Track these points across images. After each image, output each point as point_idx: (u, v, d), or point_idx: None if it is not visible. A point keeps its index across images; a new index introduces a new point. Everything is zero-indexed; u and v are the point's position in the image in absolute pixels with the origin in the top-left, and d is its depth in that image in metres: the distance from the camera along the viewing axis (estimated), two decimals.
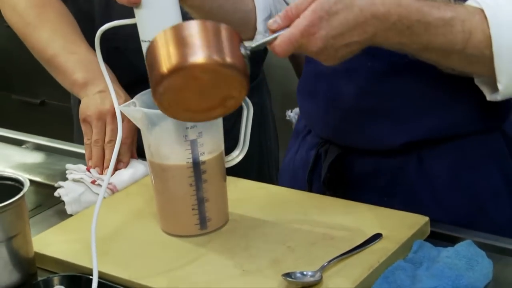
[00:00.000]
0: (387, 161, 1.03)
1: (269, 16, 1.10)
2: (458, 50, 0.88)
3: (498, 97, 0.92)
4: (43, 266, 0.92)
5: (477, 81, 0.96)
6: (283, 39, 0.82)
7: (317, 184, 1.09)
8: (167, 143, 0.92)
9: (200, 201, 0.93)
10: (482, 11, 0.88)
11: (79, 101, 1.19)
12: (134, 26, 0.92)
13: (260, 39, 0.86)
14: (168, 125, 0.91)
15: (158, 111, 0.83)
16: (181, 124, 0.90)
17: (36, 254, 0.92)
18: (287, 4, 1.12)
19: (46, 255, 0.92)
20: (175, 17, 0.91)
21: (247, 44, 0.81)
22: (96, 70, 1.17)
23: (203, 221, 0.94)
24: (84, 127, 1.14)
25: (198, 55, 0.76)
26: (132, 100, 0.94)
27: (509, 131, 1.04)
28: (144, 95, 0.94)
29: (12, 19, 1.27)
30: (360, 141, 1.04)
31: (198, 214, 0.93)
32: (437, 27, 0.86)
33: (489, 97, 0.94)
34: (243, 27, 1.07)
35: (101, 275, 0.87)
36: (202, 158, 0.92)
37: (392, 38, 0.86)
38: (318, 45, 0.82)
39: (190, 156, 0.91)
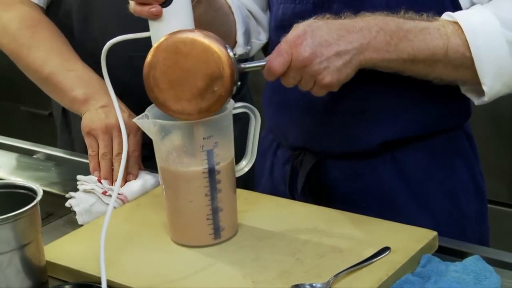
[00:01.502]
0: (363, 163, 1.07)
1: (246, 31, 1.17)
2: (441, 57, 0.94)
3: (485, 99, 0.98)
4: (54, 274, 0.94)
5: (463, 90, 1.02)
6: (274, 53, 0.90)
7: (298, 196, 1.12)
8: (182, 154, 0.93)
9: (215, 211, 0.94)
10: (455, 22, 0.95)
11: (71, 114, 1.20)
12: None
13: (252, 62, 0.94)
14: (181, 134, 0.93)
15: (174, 122, 0.87)
16: (196, 134, 0.92)
17: (48, 262, 0.93)
18: (256, 20, 1.20)
19: (57, 264, 0.94)
20: (190, 27, 0.93)
21: (242, 65, 0.91)
22: (95, 85, 1.20)
23: (217, 231, 0.95)
24: (88, 140, 1.16)
25: (180, 32, 0.89)
26: (144, 113, 0.95)
27: (468, 129, 1.11)
28: (154, 108, 0.95)
29: (3, 40, 1.27)
30: (336, 145, 1.08)
31: (213, 223, 0.95)
32: (415, 33, 0.94)
33: (477, 101, 1.00)
34: (226, 39, 1.12)
35: (111, 284, 0.88)
36: (217, 168, 0.93)
37: (379, 52, 0.93)
38: (307, 51, 0.90)
39: (206, 166, 0.93)
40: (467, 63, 0.95)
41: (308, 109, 1.04)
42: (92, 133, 1.15)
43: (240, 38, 1.16)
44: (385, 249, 0.90)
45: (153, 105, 0.95)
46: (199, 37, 0.88)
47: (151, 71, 0.89)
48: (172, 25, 0.91)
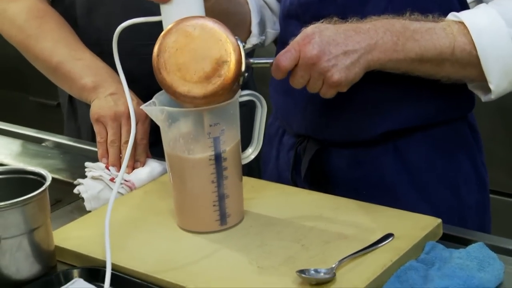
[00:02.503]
0: (365, 152, 1.08)
1: (261, 20, 1.19)
2: (448, 56, 0.96)
3: (492, 96, 0.99)
4: (62, 259, 0.95)
5: (471, 87, 1.04)
6: (283, 51, 0.92)
7: (301, 182, 1.14)
8: (189, 141, 0.94)
9: (221, 198, 0.95)
10: (461, 22, 0.96)
11: (77, 102, 1.22)
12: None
13: (260, 58, 0.96)
14: (189, 121, 0.93)
15: (181, 109, 0.89)
16: (203, 121, 0.92)
17: (56, 247, 0.94)
18: (271, 10, 1.22)
19: (65, 249, 0.95)
20: (200, 13, 0.95)
21: (251, 60, 0.93)
22: (104, 74, 1.21)
23: (223, 217, 0.96)
24: (97, 127, 1.17)
25: (191, 18, 0.92)
26: (152, 100, 0.96)
27: (473, 121, 1.12)
28: (161, 95, 0.97)
29: (11, 32, 1.28)
30: (339, 134, 1.09)
31: (219, 210, 0.96)
32: (421, 33, 0.95)
33: (484, 98, 1.02)
34: (240, 28, 1.15)
35: (118, 269, 0.89)
36: (223, 155, 0.94)
37: (387, 53, 0.94)
38: (316, 49, 0.91)
39: (213, 153, 0.94)
40: (473, 62, 0.96)
41: (312, 98, 1.05)
42: (101, 120, 1.16)
43: (254, 28, 1.17)
44: (389, 236, 0.91)
45: (160, 92, 0.96)
46: (210, 23, 0.91)
47: (161, 53, 0.90)
48: (183, 10, 0.93)
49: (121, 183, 1.11)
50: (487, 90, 0.99)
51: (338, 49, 0.92)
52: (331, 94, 0.96)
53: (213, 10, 1.00)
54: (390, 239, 0.90)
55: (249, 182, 1.08)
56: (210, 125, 0.93)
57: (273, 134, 1.22)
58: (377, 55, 0.94)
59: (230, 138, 0.95)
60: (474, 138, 1.12)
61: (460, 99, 1.08)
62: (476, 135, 1.12)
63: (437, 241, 0.93)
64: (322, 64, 0.92)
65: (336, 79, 0.92)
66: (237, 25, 1.13)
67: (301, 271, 0.84)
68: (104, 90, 1.19)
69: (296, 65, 0.93)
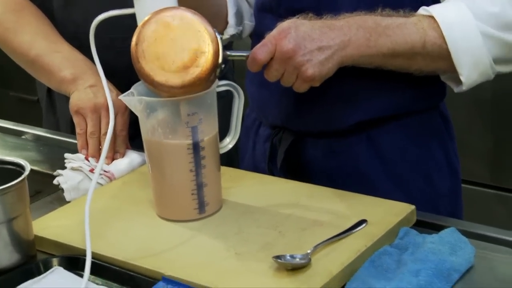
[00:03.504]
0: (340, 142, 1.10)
1: (238, 11, 1.20)
2: (419, 50, 0.98)
3: (463, 88, 1.01)
4: (42, 248, 0.95)
5: (443, 78, 1.06)
6: (259, 44, 0.93)
7: (277, 173, 1.15)
8: (167, 130, 0.95)
9: (199, 186, 0.96)
10: (431, 16, 0.98)
11: (56, 95, 1.22)
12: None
13: (236, 51, 0.98)
14: (167, 111, 0.94)
15: (159, 98, 0.90)
16: (182, 111, 0.93)
17: (36, 236, 0.95)
18: (248, 2, 1.23)
19: (45, 238, 0.96)
20: (173, 4, 0.96)
21: (228, 52, 0.95)
22: (83, 66, 1.21)
23: (201, 206, 0.97)
24: (77, 119, 1.17)
25: (169, 9, 0.93)
26: (130, 91, 0.97)
27: (445, 110, 1.14)
28: (140, 86, 0.97)
29: None
30: (314, 125, 1.11)
31: (197, 199, 0.97)
32: (393, 29, 0.97)
33: (456, 89, 1.04)
34: (217, 19, 1.16)
35: (97, 257, 0.90)
36: (201, 144, 0.95)
37: (361, 49, 0.96)
38: (292, 43, 0.93)
39: (191, 142, 0.94)
40: (444, 55, 0.98)
41: (287, 90, 1.05)
42: (81, 112, 1.17)
43: (231, 19, 1.18)
44: (362, 222, 0.92)
45: (138, 83, 0.97)
46: (189, 14, 0.92)
47: (139, 42, 0.91)
48: (156, 2, 0.93)
49: (101, 174, 1.12)
50: (459, 81, 1.01)
51: (313, 44, 0.93)
52: (304, 89, 0.97)
53: (187, 0, 1.01)
54: (364, 225, 0.92)
55: (227, 171, 1.09)
56: (188, 115, 0.93)
57: (250, 126, 1.24)
58: (351, 51, 0.96)
59: (208, 128, 0.96)
60: (446, 128, 1.14)
61: (432, 89, 1.10)
62: (448, 125, 1.14)
63: (410, 227, 0.94)
64: (297, 59, 0.93)
65: (310, 74, 0.94)
66: (214, 15, 1.14)
67: (277, 257, 0.85)
68: (83, 82, 1.19)
69: (271, 59, 0.94)
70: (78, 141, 1.17)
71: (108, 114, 1.15)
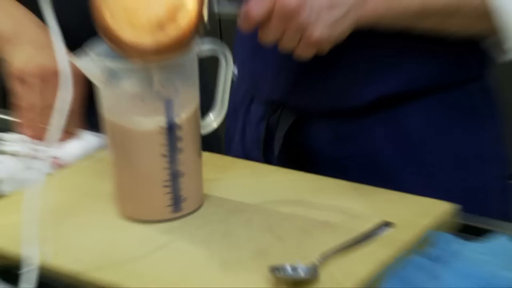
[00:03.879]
0: (353, 123, 1.11)
1: None
2: (454, 8, 0.98)
3: (509, 56, 1.03)
4: None
5: (485, 44, 1.07)
6: None
7: (274, 163, 1.16)
8: (133, 103, 0.94)
9: (174, 176, 0.96)
10: None
11: None
12: None
13: (226, 5, 0.97)
14: (135, 80, 0.93)
15: (124, 63, 0.90)
16: (152, 78, 0.93)
17: None
18: None
19: None
20: None
21: (216, 5, 0.95)
22: (25, 20, 1.21)
23: (176, 202, 0.97)
24: (19, 88, 1.17)
25: None
26: (86, 52, 0.96)
27: (487, 84, 1.14)
28: (99, 46, 0.96)
29: None
30: (320, 101, 1.11)
31: (172, 192, 0.97)
32: None
33: (500, 59, 1.05)
34: None
35: (42, 267, 0.88)
36: (178, 122, 0.95)
37: (383, 6, 0.97)
38: (295, 0, 0.92)
39: (164, 120, 0.94)
40: (486, 14, 0.99)
41: (288, 55, 1.05)
42: (24, 79, 1.15)
43: None
44: (386, 224, 0.92)
45: (97, 42, 0.96)
46: None
47: None
48: None
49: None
50: (504, 48, 1.02)
51: (322, 1, 0.94)
52: (308, 55, 0.97)
53: None
54: (388, 228, 0.92)
55: (211, 159, 1.09)
56: (161, 84, 0.93)
57: (238, 103, 1.24)
58: (370, 10, 0.97)
59: (186, 102, 0.96)
60: (489, 106, 1.14)
61: (471, 57, 1.10)
62: (491, 103, 1.15)
63: (446, 232, 0.94)
64: (302, 17, 0.93)
65: (316, 37, 0.94)
66: None
67: (275, 268, 0.84)
68: (25, 41, 1.18)
69: (269, 16, 0.94)
70: (20, 118, 1.17)
71: (56, 81, 1.12)
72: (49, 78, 1.16)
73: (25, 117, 1.16)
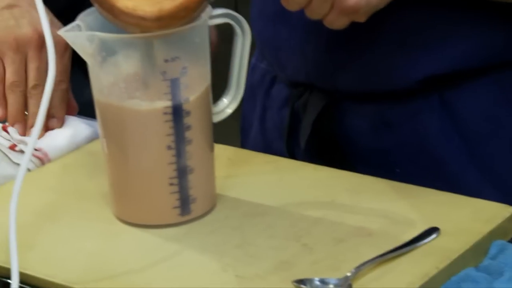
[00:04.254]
0: (398, 108, 1.12)
1: None
2: None
3: None
4: None
5: None
6: None
7: (300, 156, 1.18)
8: (134, 85, 0.96)
9: (182, 173, 0.98)
10: None
11: None
12: None
13: None
14: (134, 55, 0.96)
15: (121, 35, 0.92)
16: (153, 54, 0.95)
17: None
18: None
19: None
20: None
21: None
22: None
23: (185, 203, 0.99)
24: None
25: None
26: (75, 23, 0.98)
27: None
28: (90, 15, 0.98)
29: None
30: (357, 81, 1.13)
31: (179, 191, 0.99)
32: None
33: None
34: None
35: (24, 279, 0.92)
36: (185, 107, 0.97)
37: None
38: None
39: (170, 103, 0.96)
40: None
41: (318, 26, 1.06)
42: None
43: None
44: (432, 230, 0.95)
45: (88, 10, 0.98)
46: None
47: None
48: None
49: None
50: None
51: None
52: (342, 24, 0.99)
53: None
54: (434, 235, 0.94)
55: (225, 152, 1.12)
56: (166, 61, 0.95)
57: (257, 83, 1.26)
58: None
59: (196, 82, 0.97)
60: None
61: None
62: None
63: (508, 241, 0.96)
64: None
65: (352, 3, 0.95)
66: None
67: (301, 281, 0.87)
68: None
69: None
70: None
71: (38, 54, 1.17)
72: (24, 48, 1.18)
73: None
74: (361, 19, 0.98)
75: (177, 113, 0.97)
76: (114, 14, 0.92)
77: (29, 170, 1.14)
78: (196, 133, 0.99)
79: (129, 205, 1.02)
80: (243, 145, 1.30)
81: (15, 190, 0.95)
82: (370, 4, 0.97)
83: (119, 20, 0.93)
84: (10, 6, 1.20)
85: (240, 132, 1.32)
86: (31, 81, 1.18)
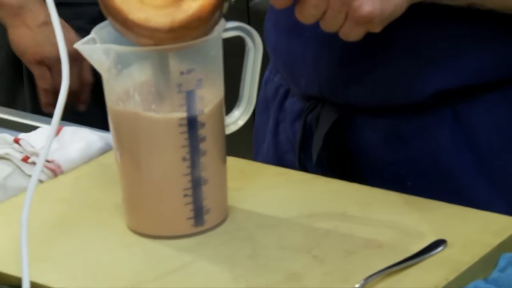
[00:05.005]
0: (410, 121, 1.14)
1: None
2: None
3: None
4: None
5: None
6: None
7: (312, 169, 1.19)
8: (149, 97, 0.98)
9: (196, 184, 1.00)
10: None
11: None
12: None
13: None
14: (148, 67, 0.98)
15: (136, 47, 0.94)
16: (168, 66, 0.97)
17: None
18: None
19: None
20: None
21: None
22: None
23: (198, 214, 1.01)
24: (38, 70, 1.27)
25: None
26: (90, 36, 1.00)
27: None
28: (104, 29, 1.00)
29: None
30: (369, 95, 1.14)
31: (193, 203, 1.01)
32: None
33: None
34: None
35: None
36: (200, 119, 0.99)
37: None
38: None
39: (185, 115, 0.98)
40: None
41: (331, 40, 1.09)
42: (45, 62, 1.27)
43: None
44: (440, 242, 0.97)
45: (102, 24, 1.00)
46: None
47: None
48: None
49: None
50: None
51: None
52: (357, 35, 1.00)
53: None
54: (442, 247, 0.96)
55: (237, 164, 1.14)
56: (181, 73, 0.97)
57: (270, 96, 1.27)
58: None
59: (210, 94, 0.99)
60: None
61: None
62: None
63: None
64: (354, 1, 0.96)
65: (366, 12, 0.96)
66: None
67: None
68: (33, 17, 1.26)
69: None
70: (43, 98, 1.28)
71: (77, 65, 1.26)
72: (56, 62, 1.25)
73: (45, 95, 1.28)
74: (376, 29, 0.99)
75: (192, 124, 0.99)
76: (128, 26, 0.94)
77: (41, 181, 1.17)
78: (210, 145, 1.01)
79: (143, 216, 1.04)
80: (256, 158, 1.32)
81: (26, 201, 0.97)
82: (384, 13, 0.98)
83: (133, 33, 0.95)
84: (45, 24, 1.28)
85: (253, 145, 1.33)
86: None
